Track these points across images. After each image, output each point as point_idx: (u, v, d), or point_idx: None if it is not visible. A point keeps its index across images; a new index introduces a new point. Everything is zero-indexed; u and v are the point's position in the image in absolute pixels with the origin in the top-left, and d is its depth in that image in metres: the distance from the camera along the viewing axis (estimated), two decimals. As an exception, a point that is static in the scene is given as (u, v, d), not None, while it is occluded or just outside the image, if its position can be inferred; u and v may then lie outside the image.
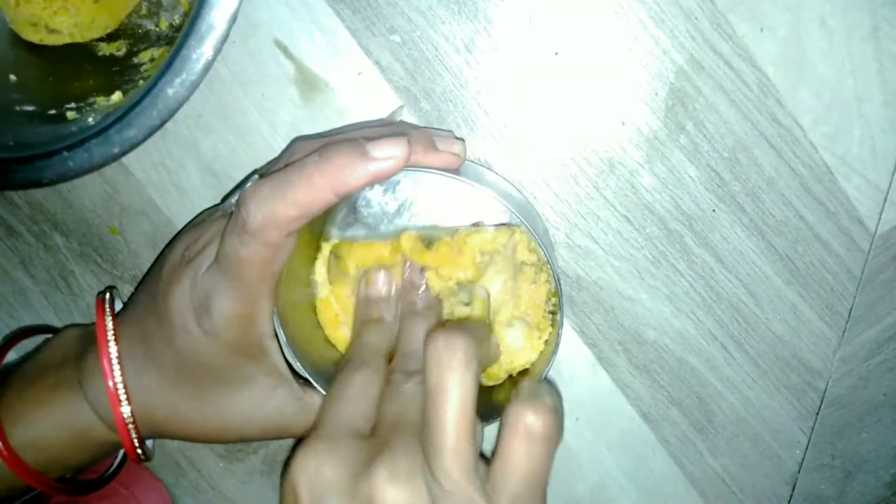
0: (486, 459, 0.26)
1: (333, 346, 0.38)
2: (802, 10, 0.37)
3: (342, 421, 0.28)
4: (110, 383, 0.33)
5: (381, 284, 0.36)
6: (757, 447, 0.43)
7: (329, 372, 0.36)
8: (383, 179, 0.30)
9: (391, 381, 0.30)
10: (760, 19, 0.37)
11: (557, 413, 0.24)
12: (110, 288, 0.37)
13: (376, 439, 0.27)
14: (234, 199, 0.35)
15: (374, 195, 0.36)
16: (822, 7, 0.37)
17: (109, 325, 0.34)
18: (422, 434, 0.25)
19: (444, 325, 0.31)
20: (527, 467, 0.24)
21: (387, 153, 0.29)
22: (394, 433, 0.26)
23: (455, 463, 0.24)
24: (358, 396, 0.29)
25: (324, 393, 0.35)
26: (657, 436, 0.43)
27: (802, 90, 0.38)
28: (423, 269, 0.36)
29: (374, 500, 0.24)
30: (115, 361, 0.34)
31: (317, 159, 0.29)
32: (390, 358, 0.32)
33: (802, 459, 0.43)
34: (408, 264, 0.36)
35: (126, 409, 0.34)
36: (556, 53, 0.38)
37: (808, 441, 0.43)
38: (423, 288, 0.36)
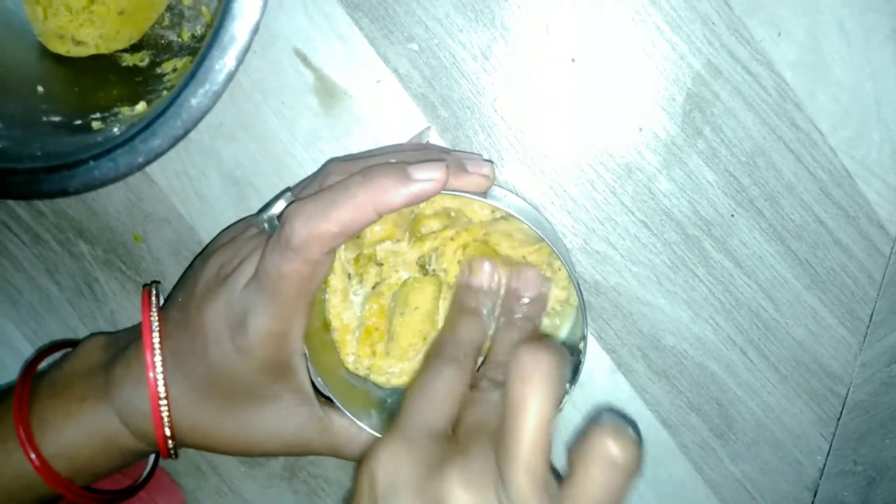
0: (556, 475, 0.26)
1: (346, 368, 0.38)
2: (820, 13, 0.37)
3: (425, 421, 0.29)
4: (150, 375, 0.34)
5: (486, 275, 0.36)
6: (777, 453, 0.42)
7: (347, 394, 0.36)
8: (422, 201, 0.31)
9: (478, 388, 0.30)
10: (778, 23, 0.37)
11: (639, 446, 0.24)
12: (155, 282, 0.38)
13: (454, 444, 0.27)
14: (266, 216, 0.36)
15: None
16: (840, 10, 0.37)
17: (155, 321, 0.35)
18: (497, 444, 0.25)
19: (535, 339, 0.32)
20: (603, 497, 0.24)
21: (427, 176, 0.31)
22: (471, 439, 0.27)
23: (527, 477, 0.24)
24: (444, 396, 0.30)
25: (346, 412, 0.35)
26: (676, 441, 0.42)
27: (821, 94, 0.38)
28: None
29: (444, 501, 0.25)
30: (157, 355, 0.34)
31: (360, 180, 0.31)
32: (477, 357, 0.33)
33: (824, 466, 0.43)
34: (515, 272, 0.36)
35: (164, 403, 0.34)
36: (573, 60, 0.38)
37: (830, 447, 0.42)
38: (525, 299, 0.36)
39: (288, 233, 0.31)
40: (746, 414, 0.42)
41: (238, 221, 0.39)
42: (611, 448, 0.24)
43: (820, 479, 0.43)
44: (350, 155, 0.39)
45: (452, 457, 0.26)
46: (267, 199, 0.40)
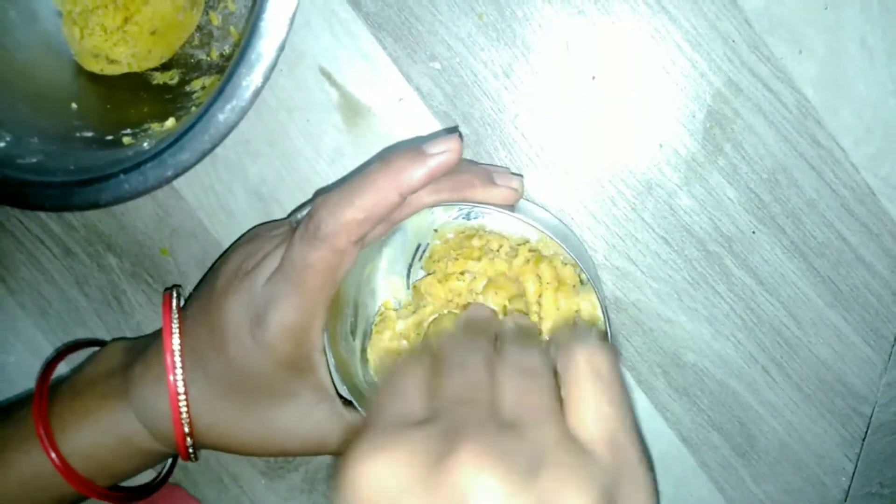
0: None
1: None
2: (842, 30, 0.37)
3: (397, 412, 0.24)
4: (171, 377, 0.34)
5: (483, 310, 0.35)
6: (801, 473, 0.42)
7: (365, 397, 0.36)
8: (441, 175, 0.32)
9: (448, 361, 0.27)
10: (799, 41, 0.37)
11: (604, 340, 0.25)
12: (176, 286, 0.38)
13: (440, 423, 0.23)
14: (299, 215, 0.36)
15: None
16: (863, 27, 0.37)
17: (175, 322, 0.35)
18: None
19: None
20: (606, 408, 0.24)
21: (441, 148, 0.32)
22: (463, 410, 0.23)
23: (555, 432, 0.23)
24: (412, 386, 0.25)
25: (364, 414, 0.35)
26: (697, 460, 0.42)
27: (843, 111, 0.38)
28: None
29: (465, 491, 0.20)
30: (177, 357, 0.35)
31: (379, 165, 0.32)
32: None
33: (849, 487, 0.42)
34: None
35: (183, 404, 0.34)
36: (594, 77, 0.39)
37: (855, 468, 0.42)
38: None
39: (316, 222, 0.31)
40: (769, 433, 0.41)
41: (258, 225, 0.40)
42: (582, 360, 0.24)
43: (845, 501, 0.42)
44: None
45: (455, 439, 0.21)
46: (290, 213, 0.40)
